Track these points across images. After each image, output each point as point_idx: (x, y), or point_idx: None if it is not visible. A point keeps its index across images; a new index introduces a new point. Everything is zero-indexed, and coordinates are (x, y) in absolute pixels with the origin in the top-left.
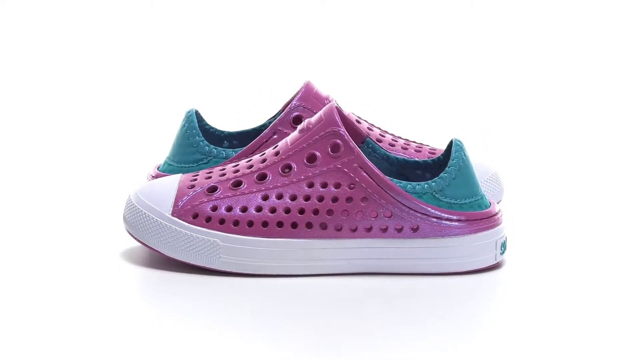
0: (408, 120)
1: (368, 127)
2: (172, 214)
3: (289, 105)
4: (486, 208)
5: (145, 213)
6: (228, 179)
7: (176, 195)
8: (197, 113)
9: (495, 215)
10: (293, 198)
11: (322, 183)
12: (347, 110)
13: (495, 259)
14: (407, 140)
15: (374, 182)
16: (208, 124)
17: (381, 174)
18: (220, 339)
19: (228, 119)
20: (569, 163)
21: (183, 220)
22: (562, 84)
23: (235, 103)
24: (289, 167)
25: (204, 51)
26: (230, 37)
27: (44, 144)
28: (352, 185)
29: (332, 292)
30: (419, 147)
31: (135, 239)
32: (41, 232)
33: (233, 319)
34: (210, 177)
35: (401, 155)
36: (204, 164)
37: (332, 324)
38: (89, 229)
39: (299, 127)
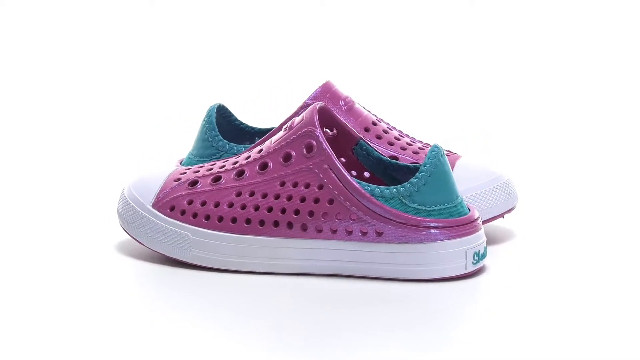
0: (408, 120)
1: (384, 130)
2: (153, 206)
3: (302, 104)
4: (459, 216)
5: (130, 204)
6: (212, 174)
7: (161, 187)
8: (222, 108)
9: (467, 224)
10: (264, 196)
11: (293, 183)
12: (364, 110)
13: (466, 269)
14: (427, 144)
15: (341, 184)
16: (238, 120)
17: (349, 177)
18: (184, 334)
19: (267, 116)
20: (571, 163)
21: (161, 212)
22: (564, 83)
23: (266, 99)
24: (266, 165)
25: (246, 48)
26: (275, 34)
27: (78, 139)
28: (320, 186)
29: (301, 292)
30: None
31: (123, 229)
32: (57, 224)
33: (196, 314)
34: (198, 172)
35: (412, 159)
36: (216, 158)
37: (298, 325)
38: (96, 222)
39: (285, 125)
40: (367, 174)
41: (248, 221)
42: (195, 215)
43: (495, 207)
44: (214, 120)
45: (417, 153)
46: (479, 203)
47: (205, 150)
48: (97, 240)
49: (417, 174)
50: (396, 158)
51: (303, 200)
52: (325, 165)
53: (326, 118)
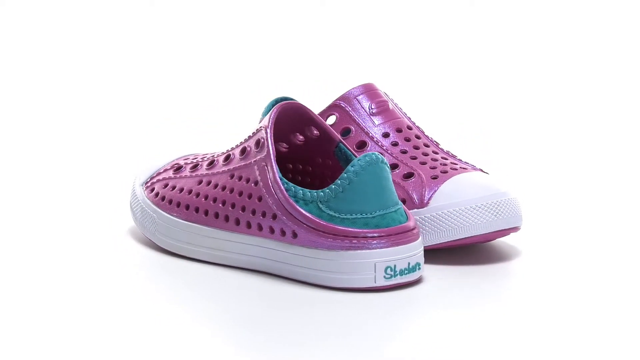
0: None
1: (405, 139)
2: (143, 186)
3: (331, 103)
4: (376, 227)
5: (133, 183)
6: (197, 162)
7: (158, 169)
8: (287, 100)
9: (381, 236)
10: (215, 186)
11: (239, 176)
12: (398, 115)
13: (375, 282)
14: (452, 154)
15: (269, 183)
16: None
17: (278, 177)
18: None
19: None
20: (571, 164)
21: (145, 192)
22: (565, 83)
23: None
24: (229, 157)
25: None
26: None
27: (123, 134)
28: (256, 183)
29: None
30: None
31: None
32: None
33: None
34: (195, 158)
35: (411, 170)
36: None
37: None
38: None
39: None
40: None
41: (197, 210)
42: (163, 199)
43: (472, 227)
44: (266, 112)
45: (424, 163)
46: (452, 220)
47: None
48: (103, 231)
49: (336, 180)
50: (396, 166)
51: (241, 194)
52: (264, 163)
53: (306, 119)
